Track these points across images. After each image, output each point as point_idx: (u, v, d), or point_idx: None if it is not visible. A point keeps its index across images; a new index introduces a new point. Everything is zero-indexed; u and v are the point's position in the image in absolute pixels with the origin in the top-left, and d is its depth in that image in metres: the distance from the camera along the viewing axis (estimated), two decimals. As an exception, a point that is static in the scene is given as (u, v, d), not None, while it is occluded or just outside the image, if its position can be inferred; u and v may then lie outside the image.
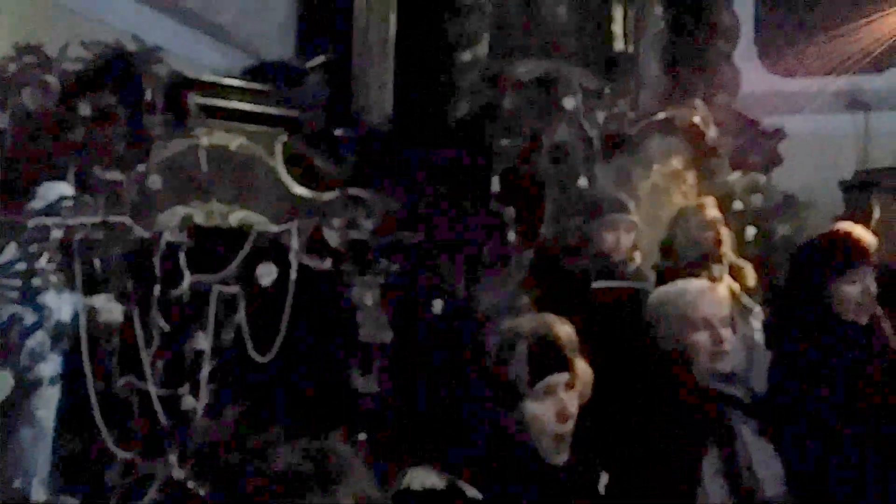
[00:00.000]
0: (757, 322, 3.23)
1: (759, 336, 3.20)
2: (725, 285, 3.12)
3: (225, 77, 4.61)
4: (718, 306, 2.24)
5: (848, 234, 2.42)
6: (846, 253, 2.35)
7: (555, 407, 1.76)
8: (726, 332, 2.20)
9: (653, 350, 2.21)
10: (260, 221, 3.76)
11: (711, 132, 4.38)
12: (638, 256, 3.74)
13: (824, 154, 5.61)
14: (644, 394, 2.12)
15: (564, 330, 1.83)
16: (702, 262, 3.48)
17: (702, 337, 2.16)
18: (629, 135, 4.31)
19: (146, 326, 2.78)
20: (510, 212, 4.14)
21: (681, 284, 2.34)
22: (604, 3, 5.21)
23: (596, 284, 3.47)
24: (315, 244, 3.73)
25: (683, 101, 4.55)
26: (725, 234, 3.59)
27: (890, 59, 6.55)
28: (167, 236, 2.84)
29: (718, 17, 5.06)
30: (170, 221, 3.14)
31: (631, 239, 3.73)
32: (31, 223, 2.70)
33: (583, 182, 4.14)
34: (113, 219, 2.85)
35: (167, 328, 2.79)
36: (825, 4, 6.79)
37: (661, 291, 2.35)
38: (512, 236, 4.14)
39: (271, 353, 3.06)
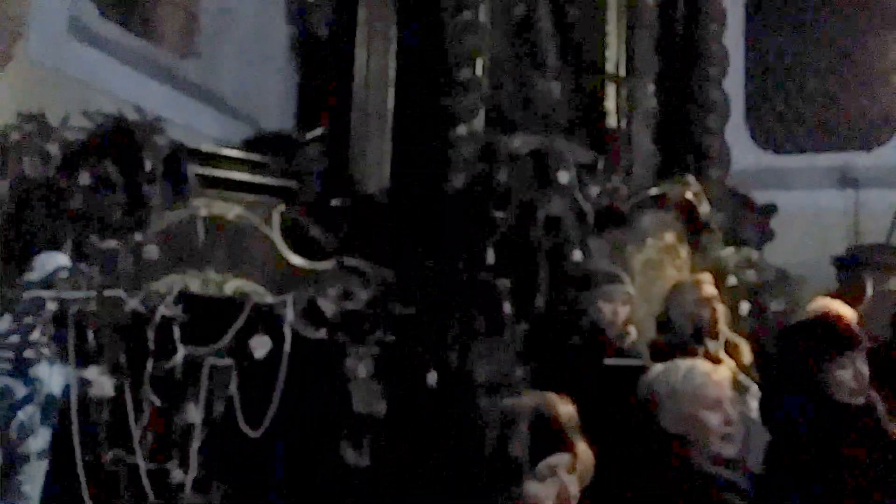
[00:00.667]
0: (753, 400, 3.21)
1: (755, 414, 3.17)
2: (727, 366, 3.11)
3: (224, 147, 4.69)
4: (726, 387, 2.22)
5: (838, 320, 2.45)
6: (837, 339, 2.37)
7: (556, 489, 1.72)
8: (734, 414, 2.18)
9: (655, 430, 2.17)
10: (255, 290, 3.77)
11: (704, 207, 4.43)
12: (633, 331, 3.73)
13: (816, 230, 5.68)
14: (646, 477, 2.08)
15: (566, 409, 1.80)
16: (698, 338, 3.47)
17: (712, 417, 2.13)
18: (622, 209, 4.34)
19: (137, 400, 2.74)
20: (505, 283, 4.15)
21: (687, 363, 2.31)
22: (596, 81, 5.34)
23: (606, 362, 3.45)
24: (310, 314, 3.72)
25: (676, 176, 4.62)
26: (721, 311, 3.59)
27: (879, 138, 6.71)
28: (162, 310, 2.81)
29: (709, 94, 5.19)
30: (164, 291, 3.12)
31: (627, 311, 3.74)
32: (26, 295, 2.69)
33: (577, 255, 4.16)
34: (108, 292, 2.84)
35: (158, 402, 2.75)
36: (814, 83, 6.99)
37: (666, 369, 2.31)
38: (507, 308, 4.14)
39: (262, 426, 3.00)
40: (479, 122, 4.93)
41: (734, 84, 6.32)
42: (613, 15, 5.41)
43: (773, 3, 7.13)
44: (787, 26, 7.07)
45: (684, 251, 4.44)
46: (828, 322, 2.48)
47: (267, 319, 3.40)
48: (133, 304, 2.83)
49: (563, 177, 4.46)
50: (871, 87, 6.79)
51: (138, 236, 3.38)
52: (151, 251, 3.32)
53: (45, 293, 2.71)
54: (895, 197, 5.30)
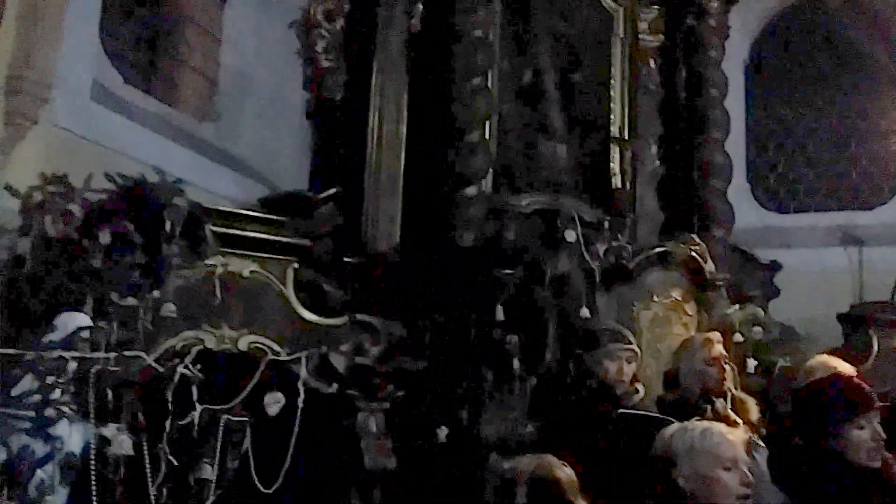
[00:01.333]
0: (762, 458, 3.22)
1: (765, 473, 3.19)
2: (742, 427, 3.13)
3: (241, 207, 4.82)
4: (742, 447, 2.25)
5: (852, 380, 2.49)
6: (855, 400, 2.41)
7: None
8: (750, 475, 2.20)
9: (669, 488, 2.18)
10: (269, 346, 3.84)
11: (709, 266, 4.50)
12: (641, 388, 3.76)
13: (820, 287, 5.74)
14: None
15: (565, 473, 1.84)
16: (705, 397, 3.50)
17: (729, 477, 2.14)
18: (629, 267, 4.42)
19: (154, 457, 2.79)
20: (514, 340, 4.21)
21: (702, 423, 2.34)
22: (602, 143, 5.49)
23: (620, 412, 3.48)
24: (322, 369, 3.78)
25: (680, 235, 4.70)
26: (729, 370, 3.63)
27: (880, 197, 6.83)
28: (180, 370, 2.88)
29: (710, 156, 5.30)
30: (182, 348, 3.19)
31: (632, 369, 3.77)
32: (48, 355, 2.75)
33: (585, 312, 4.22)
34: (128, 352, 2.91)
35: (175, 462, 2.80)
36: (814, 144, 7.15)
37: (683, 427, 2.33)
38: (516, 364, 4.18)
39: (276, 482, 3.04)
40: (487, 182, 5.05)
41: (736, 145, 6.47)
42: (617, 80, 5.59)
43: (772, 68, 7.35)
44: (787, 89, 7.28)
45: (691, 308, 4.49)
46: (844, 383, 2.52)
47: (281, 375, 3.47)
48: (153, 364, 2.89)
49: (570, 235, 4.56)
50: (871, 147, 6.94)
51: (157, 294, 3.47)
52: (169, 309, 3.40)
53: (66, 353, 2.77)
54: (898, 255, 5.38)
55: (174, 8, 5.50)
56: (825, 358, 3.48)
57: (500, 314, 4.25)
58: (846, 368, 2.55)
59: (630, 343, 3.76)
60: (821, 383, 2.64)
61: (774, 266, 5.42)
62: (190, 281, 3.62)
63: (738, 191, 6.38)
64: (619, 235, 4.84)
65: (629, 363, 3.75)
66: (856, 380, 2.50)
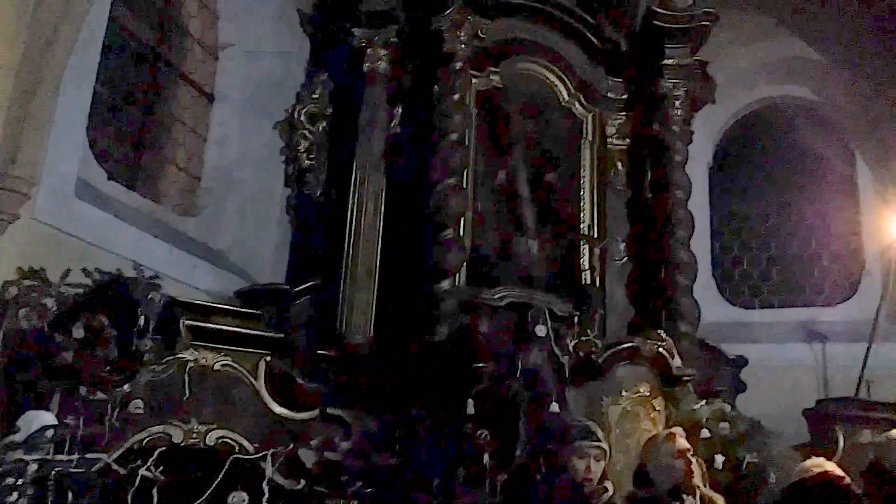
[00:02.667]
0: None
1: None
2: None
3: (218, 300, 4.89)
4: None
5: (839, 480, 2.56)
6: (838, 495, 2.47)
7: None
8: None
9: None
10: (238, 440, 3.83)
11: (676, 361, 4.58)
12: (610, 486, 3.76)
13: (786, 382, 5.83)
14: None
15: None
16: (674, 493, 3.51)
17: None
18: (598, 362, 4.48)
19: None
20: (484, 435, 4.21)
21: None
22: (572, 240, 5.65)
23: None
24: (291, 466, 3.76)
25: (648, 330, 4.79)
26: (696, 464, 3.65)
27: (842, 294, 7.02)
28: (142, 472, 2.87)
29: (676, 254, 5.47)
30: (147, 444, 3.18)
31: (601, 467, 3.77)
32: (9, 457, 2.71)
33: (555, 407, 4.24)
34: (91, 455, 2.90)
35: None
36: (777, 242, 7.40)
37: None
38: (486, 459, 4.17)
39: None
40: (461, 276, 5.17)
41: (702, 243, 6.71)
42: (587, 181, 5.83)
43: (734, 170, 7.68)
44: (749, 190, 7.59)
45: (659, 404, 4.53)
46: (831, 482, 2.60)
47: (247, 472, 3.45)
48: (114, 466, 2.87)
49: (541, 330, 4.62)
50: (831, 246, 7.19)
51: (126, 388, 3.49)
52: (137, 405, 3.41)
53: (27, 456, 2.73)
54: (861, 350, 5.49)
55: (163, 107, 5.72)
56: (821, 460, 3.54)
57: (470, 408, 4.27)
58: (836, 470, 2.65)
59: (598, 441, 3.74)
60: (809, 481, 2.70)
61: (741, 361, 5.51)
62: (161, 375, 3.64)
63: (705, 287, 6.57)
64: (589, 330, 4.93)
65: (598, 461, 3.74)
66: (845, 479, 2.57)
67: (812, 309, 6.88)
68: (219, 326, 3.98)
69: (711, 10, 5.79)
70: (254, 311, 4.31)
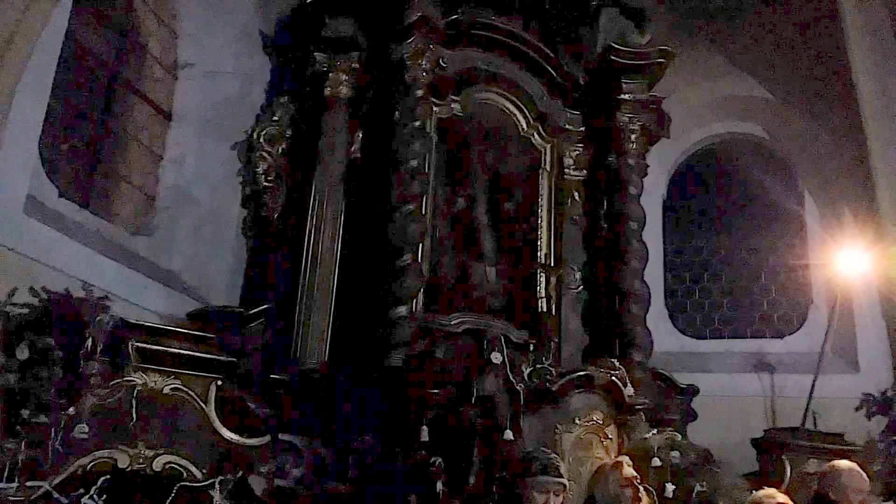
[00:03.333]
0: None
1: None
2: None
3: (169, 321, 4.80)
4: None
5: None
6: None
7: None
8: None
9: None
10: (186, 466, 3.74)
11: (629, 390, 4.62)
12: (564, 517, 3.76)
13: (735, 412, 5.94)
14: None
15: None
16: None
17: None
18: (553, 390, 4.50)
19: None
20: (439, 461, 4.19)
21: None
22: (529, 268, 5.70)
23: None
24: (239, 492, 3.68)
25: (602, 359, 4.84)
26: (643, 493, 3.68)
27: (789, 326, 7.21)
28: (85, 501, 2.77)
29: (630, 284, 5.56)
30: (91, 467, 3.09)
31: (559, 501, 3.76)
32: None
33: (508, 435, 4.25)
34: (31, 483, 2.80)
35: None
36: (727, 274, 7.57)
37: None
38: (440, 486, 4.15)
39: None
40: (418, 302, 5.16)
41: (655, 273, 6.84)
42: (545, 210, 5.91)
43: (688, 203, 7.87)
44: (702, 223, 7.78)
45: (611, 432, 4.56)
46: None
47: (195, 500, 3.37)
48: (54, 493, 2.78)
49: (496, 357, 4.64)
50: (780, 279, 7.39)
51: (71, 411, 3.39)
52: (82, 429, 3.32)
53: None
54: (807, 381, 5.62)
55: (119, 125, 5.64)
56: (772, 491, 3.60)
57: (424, 435, 4.24)
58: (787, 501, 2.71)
59: (560, 476, 3.68)
60: None
61: (692, 390, 5.60)
62: (107, 398, 3.55)
63: (657, 317, 6.69)
64: (544, 358, 4.96)
65: (557, 496, 3.72)
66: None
67: (761, 340, 7.05)
68: (169, 349, 3.91)
69: (667, 48, 5.96)
70: (206, 334, 4.24)
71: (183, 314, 5.19)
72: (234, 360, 4.30)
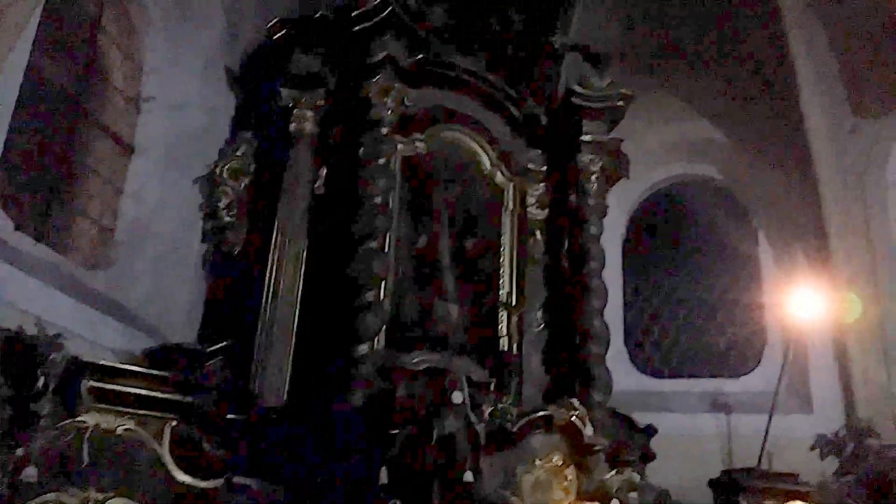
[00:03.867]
0: None
1: None
2: None
3: (125, 359, 4.69)
4: None
5: None
6: None
7: None
8: None
9: None
10: (137, 509, 3.65)
11: (588, 430, 4.65)
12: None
13: (693, 452, 6.01)
14: None
15: None
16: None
17: None
18: (513, 430, 4.51)
19: None
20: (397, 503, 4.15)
21: None
22: (491, 306, 5.73)
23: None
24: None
25: (562, 398, 4.87)
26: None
27: (746, 366, 7.34)
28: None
29: (590, 323, 5.62)
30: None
31: (518, 544, 3.75)
32: None
33: (468, 476, 4.23)
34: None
35: None
36: (685, 314, 7.71)
37: None
38: (398, 529, 4.11)
39: None
40: (379, 340, 5.13)
41: (615, 312, 6.93)
42: (507, 248, 5.96)
43: (646, 242, 8.02)
44: (660, 263, 7.93)
45: (571, 473, 4.57)
46: None
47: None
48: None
49: (457, 397, 4.63)
50: (736, 320, 7.55)
51: (20, 453, 3.30)
52: (31, 472, 3.22)
53: None
54: (763, 421, 5.72)
55: (78, 157, 5.56)
56: None
57: (384, 476, 4.21)
58: None
59: None
60: None
61: (650, 430, 5.64)
62: (58, 439, 3.46)
63: (617, 355, 6.76)
64: (505, 398, 4.97)
65: (517, 541, 3.72)
66: None
67: (718, 380, 7.16)
68: (123, 388, 3.84)
69: (626, 92, 6.11)
70: (161, 373, 4.16)
71: (139, 351, 5.09)
72: (191, 399, 4.22)
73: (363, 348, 4.93)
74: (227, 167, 5.92)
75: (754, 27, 6.78)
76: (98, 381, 3.72)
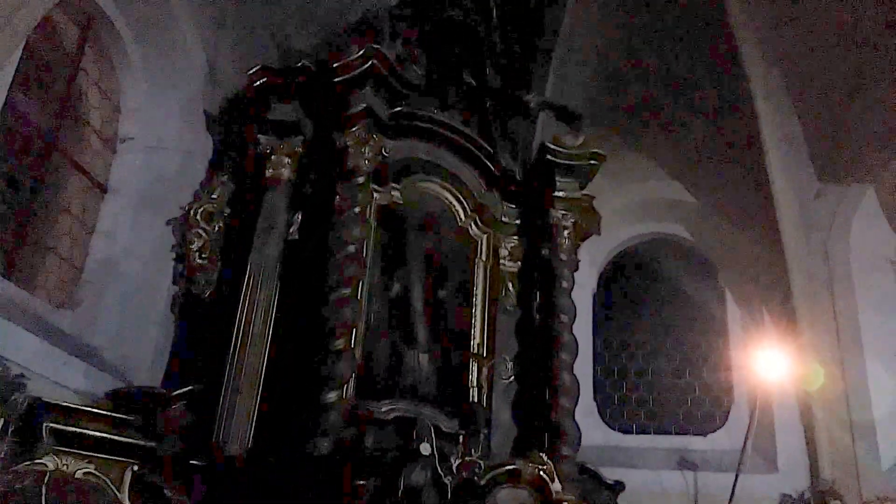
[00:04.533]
0: None
1: None
2: None
3: (88, 400, 4.59)
4: None
5: None
6: None
7: None
8: None
9: None
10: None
11: (556, 485, 4.62)
12: None
13: (660, 509, 6.01)
14: None
15: None
16: None
17: None
18: (480, 483, 4.47)
19: None
20: (362, 556, 4.07)
21: None
22: (462, 357, 5.72)
23: None
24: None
25: (530, 452, 4.84)
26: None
27: (712, 424, 7.39)
28: None
29: (560, 377, 5.63)
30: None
31: None
32: None
33: (435, 528, 4.18)
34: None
35: None
36: (654, 371, 7.77)
37: None
38: (363, 583, 4.02)
39: None
40: (349, 388, 5.08)
41: (585, 367, 6.96)
42: (479, 299, 5.99)
43: (617, 298, 8.12)
44: (630, 319, 8.02)
45: (538, 528, 4.53)
46: None
47: None
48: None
49: (425, 448, 4.59)
50: (703, 378, 7.63)
51: (-26, 497, 3.20)
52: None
53: None
54: (729, 480, 5.73)
55: (50, 195, 5.52)
56: None
57: (349, 528, 4.13)
58: None
59: None
60: None
61: (618, 486, 5.62)
62: (16, 483, 3.36)
63: (586, 410, 6.76)
64: (473, 450, 4.94)
65: None
66: None
67: (685, 437, 7.19)
68: (85, 431, 3.75)
69: (599, 151, 6.26)
70: (124, 416, 4.09)
71: (102, 392, 4.97)
72: (153, 444, 4.14)
73: (332, 396, 4.88)
74: (201, 209, 5.91)
75: (723, 90, 7.01)
76: (59, 422, 3.64)
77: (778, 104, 6.79)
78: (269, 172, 5.65)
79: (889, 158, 6.84)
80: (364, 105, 5.50)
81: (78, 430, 3.70)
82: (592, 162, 6.25)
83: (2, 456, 3.27)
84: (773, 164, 6.84)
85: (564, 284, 5.99)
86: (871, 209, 7.12)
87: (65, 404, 3.80)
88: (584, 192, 6.34)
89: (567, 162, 6.20)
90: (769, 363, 6.16)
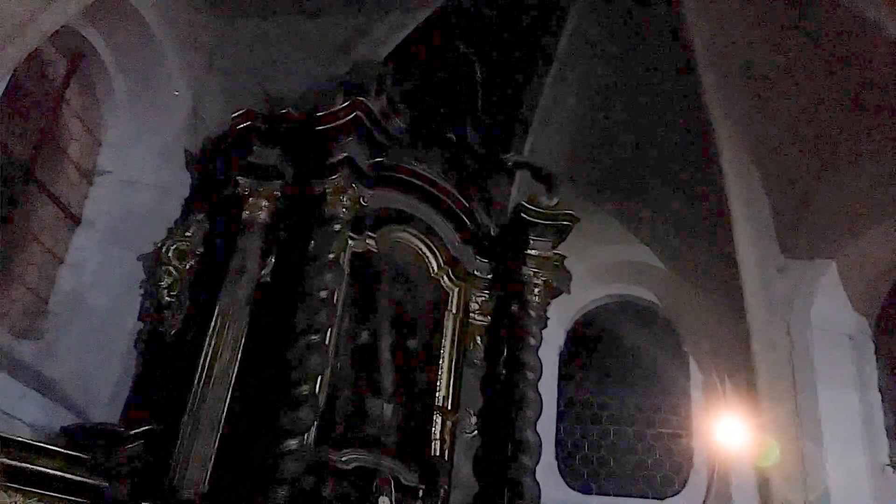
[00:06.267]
0: None
1: None
2: None
3: (42, 435, 4.48)
4: None
5: None
6: None
7: None
8: None
9: None
10: None
11: (514, 545, 4.60)
12: None
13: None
14: None
15: None
16: None
17: None
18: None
19: None
20: None
21: None
22: (426, 409, 5.71)
23: None
24: None
25: (491, 511, 4.82)
26: None
27: (672, 488, 7.40)
28: None
29: (523, 433, 5.64)
30: None
31: None
32: None
33: (388, 586, 4.12)
34: None
35: None
36: (615, 431, 7.79)
37: None
38: None
39: None
40: (310, 435, 5.02)
41: (548, 424, 6.96)
42: (447, 351, 6.02)
43: (583, 358, 8.18)
44: (594, 379, 8.07)
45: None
46: None
47: None
48: None
49: (384, 501, 4.57)
50: (664, 441, 7.66)
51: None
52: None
53: None
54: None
55: (20, 223, 5.47)
56: None
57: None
58: None
59: None
60: None
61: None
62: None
63: (547, 468, 6.74)
64: (432, 504, 4.89)
65: None
66: None
67: (644, 501, 7.18)
68: (35, 467, 3.66)
69: (573, 212, 6.39)
70: (78, 454, 4.00)
71: (59, 426, 4.86)
72: (106, 483, 4.05)
73: (293, 443, 4.82)
74: (174, 247, 5.89)
75: (694, 164, 7.22)
76: (11, 458, 3.55)
77: (747, 181, 7.00)
78: (245, 214, 5.67)
79: (850, 234, 7.05)
80: (345, 154, 5.58)
81: (28, 466, 3.60)
82: (566, 222, 6.38)
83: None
84: (739, 237, 7.01)
85: (532, 341, 6.04)
86: (833, 284, 7.29)
87: (18, 439, 3.71)
88: (557, 251, 6.45)
89: (541, 221, 6.33)
90: (729, 432, 6.22)
